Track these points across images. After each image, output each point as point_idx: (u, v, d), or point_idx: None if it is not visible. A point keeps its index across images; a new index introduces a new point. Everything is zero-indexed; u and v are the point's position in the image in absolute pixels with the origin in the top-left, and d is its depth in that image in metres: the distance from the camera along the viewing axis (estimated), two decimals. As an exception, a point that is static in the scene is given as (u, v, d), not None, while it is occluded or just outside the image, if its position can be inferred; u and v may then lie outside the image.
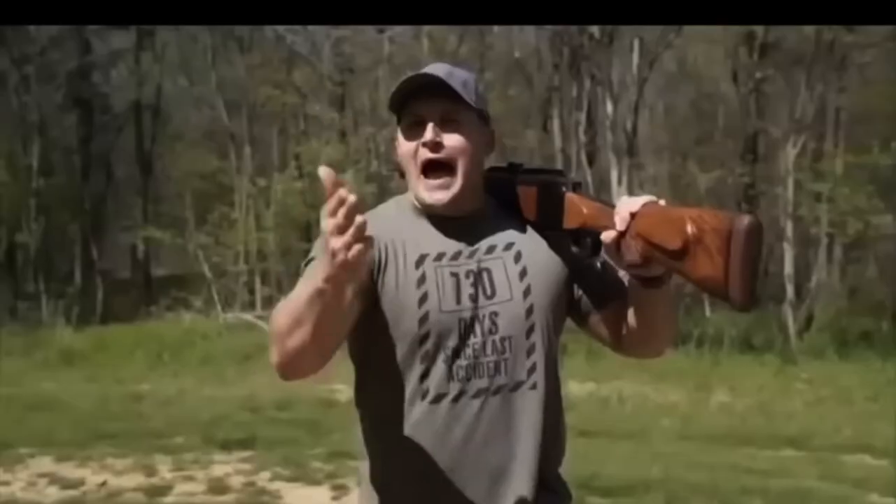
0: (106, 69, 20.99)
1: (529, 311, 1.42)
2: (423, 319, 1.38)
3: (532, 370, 1.42)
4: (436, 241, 1.43)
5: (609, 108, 12.88)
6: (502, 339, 1.40)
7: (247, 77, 16.16)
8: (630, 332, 1.46)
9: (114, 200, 21.28)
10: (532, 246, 1.46)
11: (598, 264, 1.49)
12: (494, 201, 1.50)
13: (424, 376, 1.40)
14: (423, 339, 1.39)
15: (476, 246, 1.43)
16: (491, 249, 1.43)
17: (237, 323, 12.26)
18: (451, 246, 1.43)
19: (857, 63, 14.08)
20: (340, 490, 5.00)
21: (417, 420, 1.39)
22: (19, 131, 17.31)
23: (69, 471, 5.46)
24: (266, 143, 18.15)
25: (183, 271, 16.92)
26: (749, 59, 15.33)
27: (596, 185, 13.84)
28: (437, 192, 1.41)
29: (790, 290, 11.73)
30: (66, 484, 5.18)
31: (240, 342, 10.87)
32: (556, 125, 17.06)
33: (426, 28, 13.46)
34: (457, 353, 1.39)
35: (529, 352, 1.41)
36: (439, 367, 1.39)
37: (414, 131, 1.42)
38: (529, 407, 1.42)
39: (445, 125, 1.40)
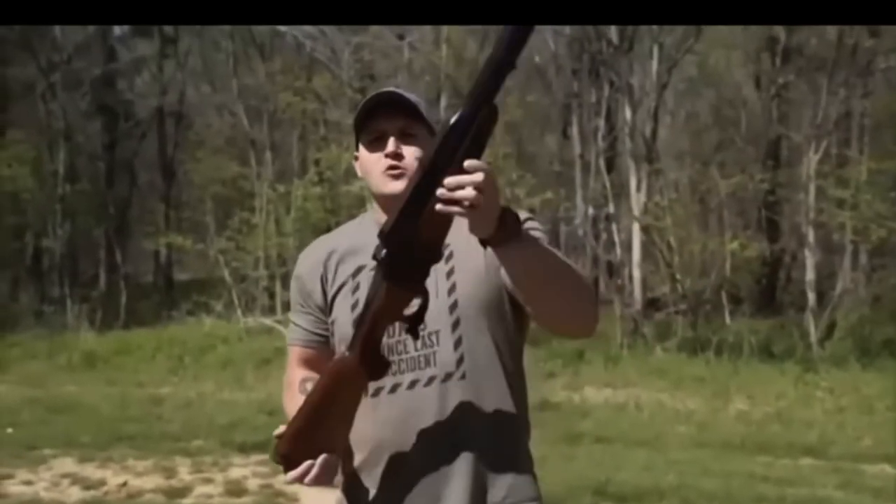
0: (130, 76, 21.26)
1: (454, 307, 1.51)
2: (354, 325, 1.48)
3: (460, 361, 1.49)
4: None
5: (628, 114, 12.86)
6: (430, 334, 1.50)
7: (267, 84, 16.29)
8: (528, 306, 1.46)
9: (137, 206, 21.53)
10: (466, 245, 1.46)
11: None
12: None
13: (376, 370, 1.49)
14: None
15: None
16: None
17: (257, 327, 12.35)
18: None
19: (881, 68, 13.96)
20: (356, 494, 5.03)
21: (363, 413, 1.48)
22: (46, 138, 17.55)
23: (91, 472, 5.55)
24: (286, 149, 18.28)
25: (204, 276, 17.06)
26: (771, 64, 15.25)
27: (616, 190, 13.80)
28: (394, 182, 1.53)
29: (812, 297, 11.63)
30: (88, 484, 5.26)
31: (259, 346, 10.95)
32: (575, 131, 17.06)
33: (445, 34, 13.51)
34: (390, 349, 1.50)
35: (457, 344, 1.49)
36: (375, 370, 1.47)
37: (375, 146, 1.56)
38: (461, 396, 1.48)
39: (403, 139, 1.54)
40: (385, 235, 1.32)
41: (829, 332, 11.37)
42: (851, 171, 12.18)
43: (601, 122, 15.16)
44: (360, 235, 1.61)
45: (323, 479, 1.42)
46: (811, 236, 11.96)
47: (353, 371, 1.41)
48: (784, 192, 14.02)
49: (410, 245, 1.30)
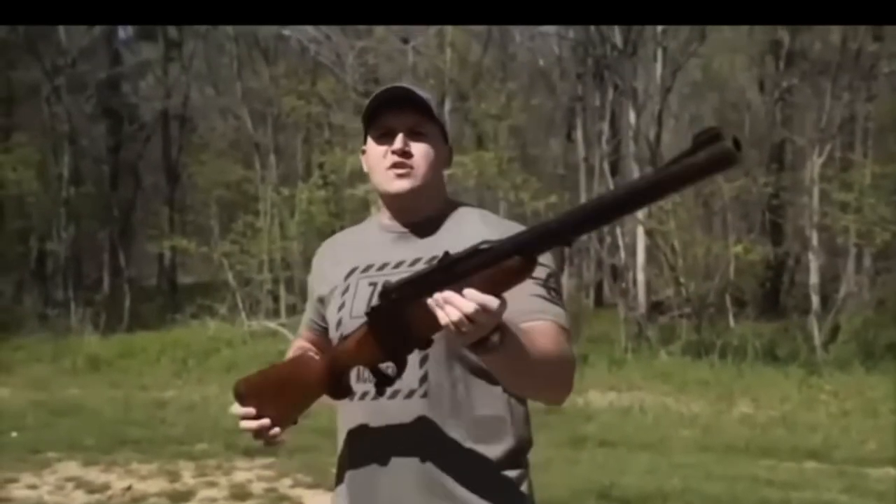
0: (135, 80, 21.32)
1: None
2: (338, 324, 1.53)
3: (424, 380, 1.45)
4: (372, 253, 1.56)
5: (632, 117, 12.87)
6: None
7: (272, 87, 16.33)
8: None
9: (141, 209, 21.57)
10: None
11: None
12: (461, 217, 1.56)
13: (347, 379, 1.51)
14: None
15: (404, 258, 1.51)
16: (416, 262, 1.49)
17: (261, 331, 12.37)
18: (383, 257, 1.54)
19: (885, 72, 13.96)
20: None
21: (344, 417, 1.54)
22: (50, 141, 17.60)
23: (95, 475, 5.56)
24: (290, 153, 18.32)
25: (208, 279, 17.10)
26: (775, 67, 15.25)
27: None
28: (399, 181, 1.50)
29: (815, 300, 11.62)
30: (92, 488, 5.27)
31: (263, 350, 10.96)
32: (579, 135, 17.08)
33: (449, 38, 13.52)
34: (372, 358, 1.45)
35: (422, 362, 1.44)
36: (343, 374, 1.49)
37: (383, 141, 1.52)
38: (423, 414, 1.45)
39: (412, 136, 1.51)
40: (385, 288, 1.31)
41: (832, 335, 11.36)
42: (855, 175, 12.17)
43: (605, 126, 15.18)
44: (362, 237, 1.62)
45: (258, 435, 1.44)
46: (815, 240, 11.96)
47: (314, 376, 1.45)
48: (788, 196, 14.01)
49: (402, 315, 1.28)
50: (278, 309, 14.32)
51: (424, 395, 1.45)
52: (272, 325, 12.50)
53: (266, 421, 1.44)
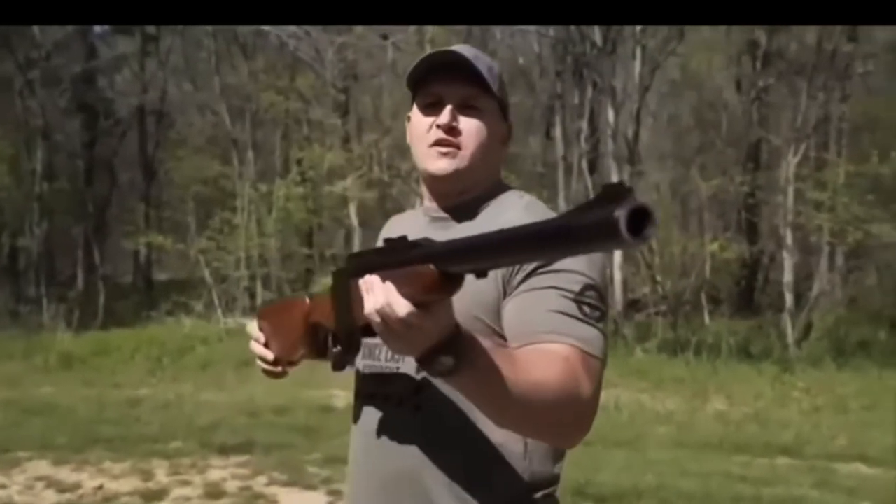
0: (110, 74, 21.11)
1: None
2: None
3: (418, 390, 1.28)
4: (410, 236, 1.40)
5: (611, 115, 12.92)
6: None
7: (250, 83, 16.23)
8: None
9: (117, 205, 21.37)
10: None
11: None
12: (504, 203, 1.36)
13: (357, 373, 1.43)
14: None
15: None
16: None
17: (237, 328, 12.29)
18: None
19: (859, 73, 14.12)
20: (336, 495, 5.02)
21: (354, 415, 1.43)
22: (23, 135, 17.39)
23: (66, 475, 5.50)
24: (269, 149, 18.23)
25: (184, 276, 16.98)
26: (752, 67, 15.38)
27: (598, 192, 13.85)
28: (441, 161, 1.33)
29: (789, 298, 11.73)
30: (63, 488, 5.21)
31: (240, 347, 10.89)
32: (558, 132, 17.10)
33: (429, 35, 13.50)
34: (369, 352, 1.37)
35: (419, 369, 1.22)
36: (360, 364, 1.41)
37: (431, 110, 1.34)
38: (414, 425, 1.29)
39: (464, 110, 1.33)
40: (351, 255, 1.15)
41: (805, 332, 11.48)
42: (829, 174, 12.30)
43: (584, 124, 15.22)
44: (411, 219, 1.49)
45: (258, 360, 1.41)
46: (789, 238, 12.07)
47: (298, 319, 1.32)
48: (763, 195, 14.14)
49: (348, 288, 1.10)
50: (255, 306, 14.24)
51: (418, 408, 1.29)
52: (249, 322, 12.44)
53: (266, 353, 1.40)
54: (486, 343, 1.04)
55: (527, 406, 1.07)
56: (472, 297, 1.22)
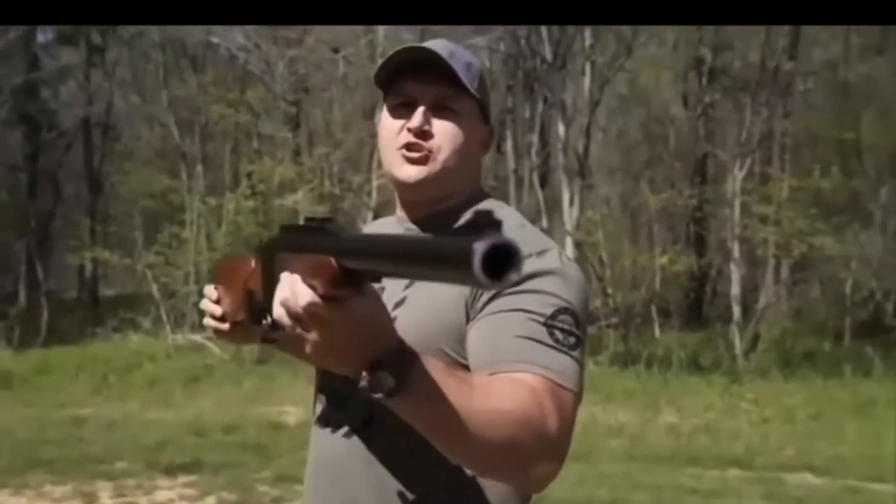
0: (55, 85, 20.64)
1: None
2: None
3: (368, 421, 1.17)
4: None
5: (561, 130, 13.04)
6: None
7: (199, 95, 16.02)
8: None
9: (61, 219, 20.85)
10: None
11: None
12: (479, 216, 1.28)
13: (316, 391, 1.32)
14: None
15: None
16: None
17: (186, 344, 12.06)
18: None
19: (801, 90, 14.51)
20: (286, 515, 4.94)
21: (311, 436, 1.31)
22: (-38, 148, 16.90)
23: (3, 499, 5.31)
24: (218, 162, 17.97)
25: (131, 292, 16.62)
26: (698, 83, 15.69)
27: (549, 206, 13.99)
28: (410, 167, 1.22)
29: (737, 310, 11.93)
30: (1, 512, 5.03)
31: (188, 364, 10.70)
32: (509, 147, 17.22)
33: (380, 48, 13.49)
34: (326, 374, 1.23)
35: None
36: (318, 382, 1.32)
37: (401, 112, 1.23)
38: (364, 458, 1.17)
39: (438, 112, 1.22)
40: (283, 226, 1.00)
41: (753, 344, 11.69)
42: (773, 189, 12.58)
43: (535, 138, 15.36)
44: (382, 228, 1.39)
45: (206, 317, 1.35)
46: (736, 251, 12.29)
47: (242, 278, 1.21)
48: (711, 208, 14.40)
49: (272, 262, 0.99)
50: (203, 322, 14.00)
51: (367, 441, 1.17)
52: (198, 338, 12.20)
53: (213, 308, 1.32)
54: (436, 363, 0.92)
55: (482, 439, 0.93)
56: (435, 324, 1.14)
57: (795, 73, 13.29)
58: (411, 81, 1.22)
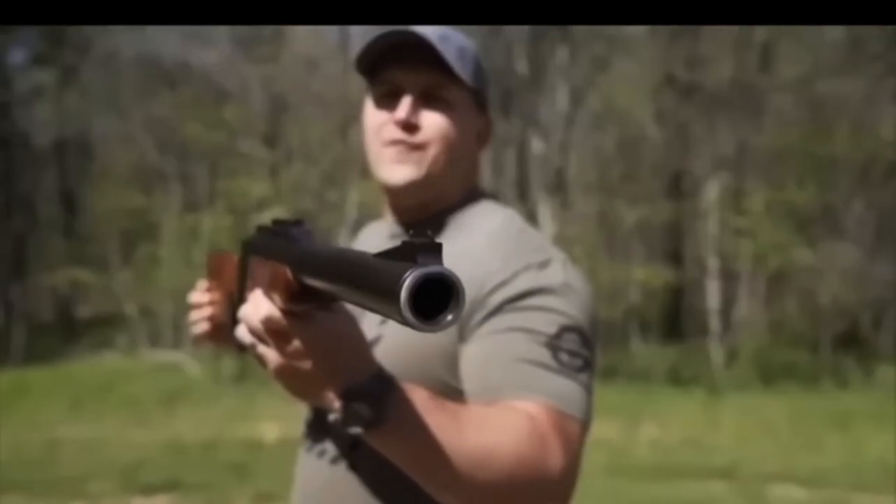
0: (28, 105, 20.45)
1: None
2: None
3: (354, 447, 1.04)
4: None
5: (538, 146, 13.12)
6: None
7: (175, 114, 15.94)
8: None
9: (36, 240, 20.59)
10: None
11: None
12: (472, 219, 1.14)
13: (305, 414, 1.22)
14: None
15: None
16: None
17: (163, 363, 11.92)
18: None
19: (775, 105, 14.71)
20: (266, 534, 4.87)
21: (297, 461, 1.21)
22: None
23: (-23, 522, 5.18)
24: (195, 180, 17.88)
25: (107, 311, 16.43)
26: (672, 100, 15.86)
27: (526, 221, 14.04)
28: (398, 168, 1.09)
29: (715, 323, 12.01)
30: (-26, 536, 4.91)
31: (165, 383, 10.57)
32: (486, 162, 17.28)
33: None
34: None
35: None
36: (303, 408, 1.19)
37: (387, 102, 1.11)
38: (349, 487, 1.06)
39: (428, 102, 1.09)
40: (259, 226, 0.93)
41: (731, 356, 11.76)
42: (749, 202, 12.71)
43: (512, 154, 15.42)
44: (373, 232, 1.28)
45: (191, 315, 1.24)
46: (713, 264, 12.39)
47: (228, 275, 1.11)
48: (686, 223, 14.51)
49: (246, 263, 0.92)
50: (180, 340, 13.86)
51: (353, 468, 1.06)
52: (175, 357, 12.07)
53: (202, 306, 1.22)
54: (421, 393, 0.82)
55: (474, 480, 0.83)
56: (422, 346, 1.00)
57: (770, 88, 13.47)
58: (397, 68, 1.08)
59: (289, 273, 0.73)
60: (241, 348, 0.92)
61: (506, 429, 0.87)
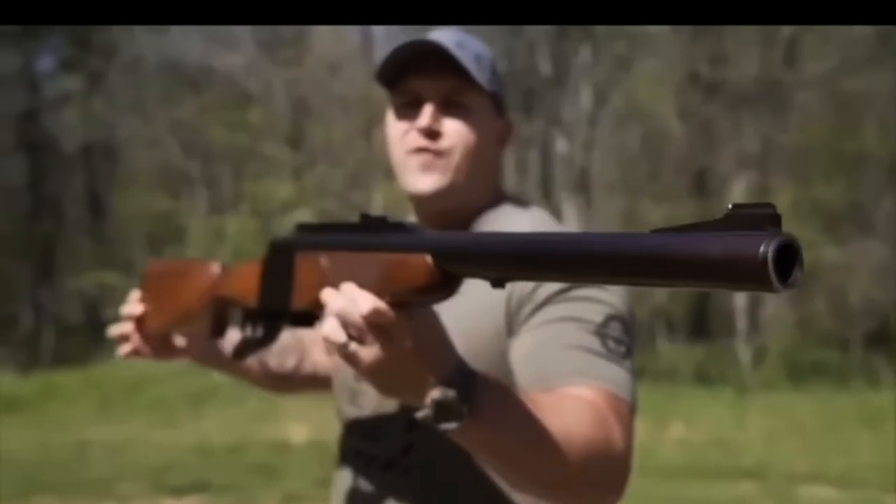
0: (56, 111, 20.73)
1: None
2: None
3: (408, 450, 1.08)
4: None
5: (562, 145, 13.07)
6: (383, 401, 1.08)
7: (200, 117, 16.08)
8: None
9: (64, 243, 20.87)
10: (473, 290, 0.81)
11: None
12: (497, 222, 1.15)
13: (341, 418, 1.23)
14: (336, 378, 1.24)
15: None
16: None
17: (189, 365, 11.98)
18: None
19: (801, 102, 14.54)
20: (294, 535, 4.88)
21: (336, 467, 1.23)
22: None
23: (10, 523, 5.25)
24: (220, 183, 18.02)
25: (134, 314, 16.59)
26: (695, 97, 15.73)
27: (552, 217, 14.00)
28: (423, 177, 1.11)
29: (742, 322, 11.90)
30: (6, 537, 4.98)
31: (192, 385, 10.64)
32: (510, 162, 17.25)
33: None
34: (352, 397, 1.17)
35: (409, 426, 1.07)
36: (343, 413, 1.21)
37: (408, 111, 1.14)
38: (403, 492, 1.08)
39: (448, 109, 1.12)
40: (300, 225, 0.97)
41: (759, 356, 11.63)
42: (775, 200, 12.49)
43: (536, 154, 15.38)
44: None
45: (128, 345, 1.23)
46: (740, 263, 12.26)
47: (202, 287, 1.10)
48: (712, 221, 14.39)
49: (291, 264, 0.90)
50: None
51: (407, 472, 1.08)
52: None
53: (133, 313, 1.19)
54: (497, 382, 0.83)
55: (552, 464, 0.84)
56: (485, 344, 1.04)
57: (795, 84, 13.32)
58: (417, 77, 1.12)
59: (429, 260, 0.72)
60: (239, 354, 0.96)
61: (573, 412, 0.89)
